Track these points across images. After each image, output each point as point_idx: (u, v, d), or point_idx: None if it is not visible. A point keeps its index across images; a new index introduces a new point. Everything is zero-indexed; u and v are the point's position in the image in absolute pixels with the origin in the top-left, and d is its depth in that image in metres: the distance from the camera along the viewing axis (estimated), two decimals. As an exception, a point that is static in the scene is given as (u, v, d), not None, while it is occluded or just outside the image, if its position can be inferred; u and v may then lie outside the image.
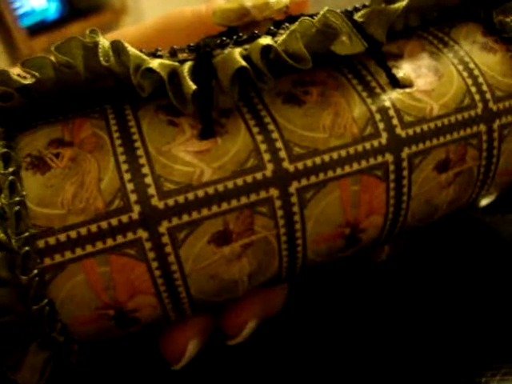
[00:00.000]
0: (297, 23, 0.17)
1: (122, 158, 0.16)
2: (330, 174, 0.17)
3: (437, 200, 0.20)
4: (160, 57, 0.17)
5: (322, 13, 0.17)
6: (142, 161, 0.16)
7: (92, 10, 1.87)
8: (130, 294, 0.16)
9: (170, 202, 0.16)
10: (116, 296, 0.16)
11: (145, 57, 0.17)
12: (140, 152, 0.16)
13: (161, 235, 0.15)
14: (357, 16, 0.19)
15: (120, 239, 0.16)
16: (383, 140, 0.18)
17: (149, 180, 0.16)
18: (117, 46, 0.17)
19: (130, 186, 0.16)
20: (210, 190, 0.16)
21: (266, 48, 0.17)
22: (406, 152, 0.18)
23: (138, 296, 0.16)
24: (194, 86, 0.16)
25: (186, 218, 0.16)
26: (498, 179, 0.21)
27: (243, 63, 0.16)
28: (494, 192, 0.23)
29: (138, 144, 0.16)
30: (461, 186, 0.20)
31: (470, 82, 0.20)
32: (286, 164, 0.17)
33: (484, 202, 0.24)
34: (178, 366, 0.19)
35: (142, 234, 0.15)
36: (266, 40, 0.17)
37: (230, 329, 0.19)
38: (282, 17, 0.20)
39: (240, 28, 0.20)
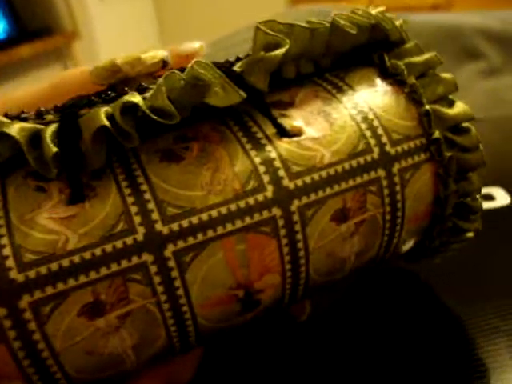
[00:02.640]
0: (163, 77, 0.17)
1: None
2: (210, 233, 0.16)
3: (341, 253, 0.19)
4: (25, 119, 0.16)
5: (190, 65, 0.17)
6: (2, 231, 0.15)
7: (42, 32, 1.83)
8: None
9: (31, 274, 0.14)
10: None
11: (5, 120, 0.16)
12: (0, 221, 0.15)
13: (22, 311, 0.14)
14: (236, 66, 0.18)
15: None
16: (269, 193, 0.17)
17: (7, 251, 0.15)
18: None
19: None
20: (76, 259, 0.15)
21: (130, 105, 0.16)
22: (295, 204, 0.17)
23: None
24: (54, 149, 0.15)
25: (50, 290, 0.14)
26: (408, 225, 0.20)
27: (105, 122, 0.15)
28: (410, 238, 0.22)
29: None
30: (366, 235, 0.19)
31: (364, 126, 0.19)
32: (158, 226, 0.15)
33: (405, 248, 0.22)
34: None
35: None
36: (130, 97, 0.16)
37: None
38: (162, 72, 0.19)
39: (117, 85, 0.19)
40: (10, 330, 0.14)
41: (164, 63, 0.20)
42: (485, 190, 0.32)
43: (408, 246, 0.22)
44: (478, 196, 0.22)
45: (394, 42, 0.22)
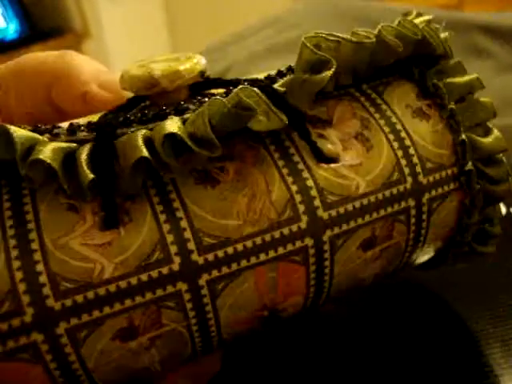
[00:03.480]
0: (206, 104, 0.16)
1: (13, 254, 0.14)
2: (244, 263, 0.16)
3: (362, 275, 0.19)
4: (57, 135, 0.16)
5: (235, 91, 0.16)
6: (37, 257, 0.15)
7: (53, 32, 1.85)
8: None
9: (68, 302, 0.15)
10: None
11: (37, 137, 0.15)
12: (35, 245, 0.15)
13: (59, 336, 0.14)
14: (278, 84, 0.17)
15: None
16: (303, 224, 0.17)
17: (43, 279, 0.14)
18: (2, 131, 0.15)
19: (21, 287, 0.14)
20: (112, 288, 0.15)
21: (171, 134, 0.15)
22: (327, 234, 0.17)
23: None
24: (90, 176, 0.15)
25: (86, 317, 0.15)
26: (427, 247, 0.21)
27: (145, 153, 0.15)
28: (425, 256, 0.22)
29: (33, 235, 0.15)
30: (388, 259, 0.19)
31: (400, 153, 0.19)
32: (194, 256, 0.16)
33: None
34: None
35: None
36: (171, 125, 0.15)
37: None
38: (198, 79, 0.19)
39: (150, 97, 0.19)
40: (47, 353, 0.14)
41: (202, 74, 0.19)
42: None
43: (421, 260, 0.22)
44: (497, 221, 0.22)
45: (438, 55, 0.21)
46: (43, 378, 0.14)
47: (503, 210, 0.32)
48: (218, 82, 0.20)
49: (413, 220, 0.19)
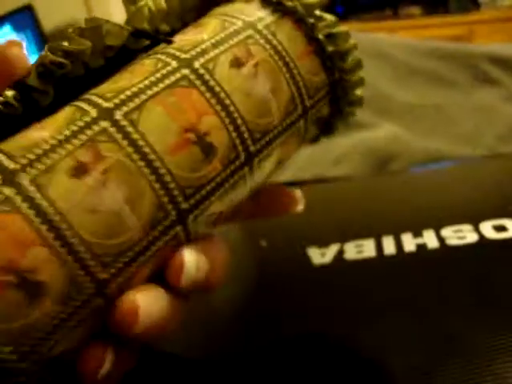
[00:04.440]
0: None
1: None
2: (143, 97, 0.19)
3: (256, 91, 0.21)
4: None
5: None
6: None
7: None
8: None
9: (23, 160, 0.17)
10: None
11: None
12: None
13: (26, 187, 0.17)
14: None
15: None
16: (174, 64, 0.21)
17: None
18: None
19: None
20: (54, 141, 0.18)
21: None
22: (198, 63, 0.21)
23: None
24: None
25: (41, 166, 0.17)
26: (300, 64, 0.24)
27: None
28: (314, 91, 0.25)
29: None
30: (267, 74, 0.22)
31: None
32: (106, 104, 0.19)
33: None
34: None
35: None
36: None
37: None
38: None
39: None
40: (22, 203, 0.16)
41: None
42: (498, 222, 0.34)
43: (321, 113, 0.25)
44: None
45: None
46: (25, 227, 0.16)
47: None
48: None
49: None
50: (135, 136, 0.18)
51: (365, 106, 0.25)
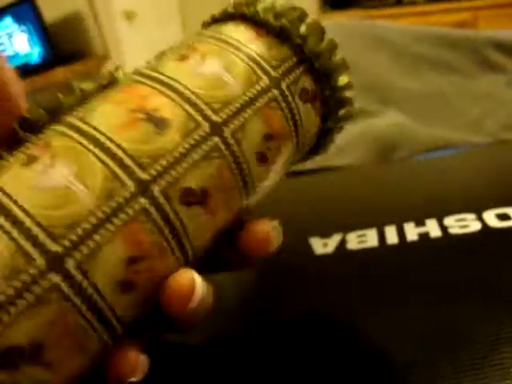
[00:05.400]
0: None
1: None
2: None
3: None
4: None
5: None
6: None
7: (75, 56, 1.90)
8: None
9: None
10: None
11: None
12: None
13: None
14: None
15: None
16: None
17: None
18: None
19: None
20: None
21: None
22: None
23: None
24: None
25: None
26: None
27: None
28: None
29: None
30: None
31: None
32: None
33: None
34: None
35: None
36: None
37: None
38: None
39: None
40: None
41: None
42: (501, 210, 0.34)
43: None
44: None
45: None
46: None
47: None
48: None
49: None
50: (84, 127, 0.18)
51: (368, 93, 0.25)
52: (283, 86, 0.22)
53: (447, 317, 0.25)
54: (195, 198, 0.19)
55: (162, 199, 0.18)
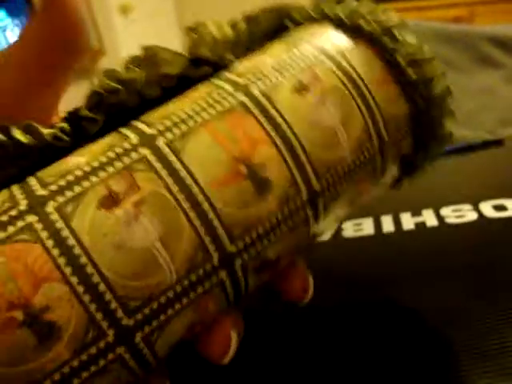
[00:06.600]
0: None
1: None
2: (191, 123, 0.17)
3: (324, 122, 0.19)
4: None
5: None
6: None
7: (70, 50, 1.89)
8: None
9: (53, 187, 0.16)
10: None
11: None
12: None
13: (49, 214, 0.15)
14: None
15: None
16: None
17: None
18: None
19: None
20: (87, 168, 0.16)
21: None
22: None
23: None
24: None
25: (69, 193, 0.16)
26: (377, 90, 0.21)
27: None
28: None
29: None
30: (336, 105, 0.20)
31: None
32: (146, 129, 0.18)
33: None
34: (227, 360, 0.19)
35: None
36: None
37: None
38: None
39: None
40: (42, 231, 0.15)
41: None
42: (498, 202, 0.34)
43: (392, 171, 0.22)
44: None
45: None
46: (45, 259, 0.14)
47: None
48: None
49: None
50: (177, 166, 0.16)
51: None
52: (386, 153, 0.20)
53: (443, 303, 0.25)
54: (269, 267, 0.18)
55: (240, 273, 0.17)
